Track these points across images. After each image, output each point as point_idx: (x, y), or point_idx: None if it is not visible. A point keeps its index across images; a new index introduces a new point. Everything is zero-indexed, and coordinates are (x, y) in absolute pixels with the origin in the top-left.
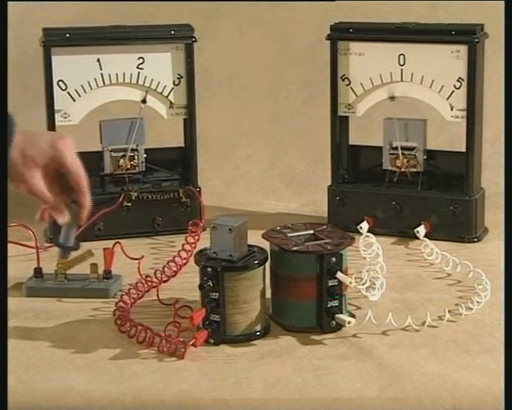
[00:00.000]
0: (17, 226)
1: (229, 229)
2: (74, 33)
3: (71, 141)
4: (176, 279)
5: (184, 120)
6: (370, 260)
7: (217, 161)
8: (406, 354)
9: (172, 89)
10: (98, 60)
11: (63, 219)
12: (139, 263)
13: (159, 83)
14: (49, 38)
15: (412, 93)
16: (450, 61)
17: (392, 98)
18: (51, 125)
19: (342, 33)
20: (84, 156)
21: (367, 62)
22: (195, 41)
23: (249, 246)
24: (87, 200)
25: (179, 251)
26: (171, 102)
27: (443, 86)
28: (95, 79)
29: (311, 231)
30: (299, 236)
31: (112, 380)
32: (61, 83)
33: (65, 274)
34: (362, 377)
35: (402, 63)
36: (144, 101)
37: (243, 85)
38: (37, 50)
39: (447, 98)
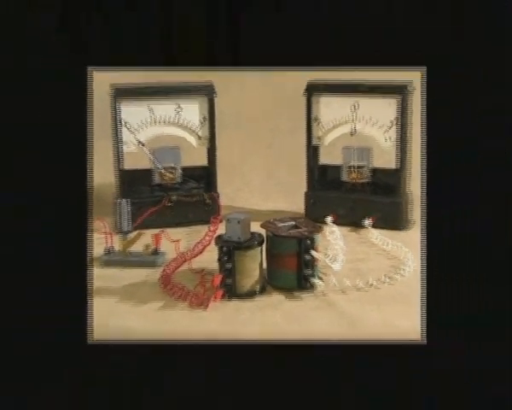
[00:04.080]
0: (95, 220)
1: (238, 221)
2: (136, 90)
3: None
4: (202, 256)
5: (208, 148)
6: (334, 242)
7: (229, 175)
8: (360, 306)
9: (199, 126)
10: (149, 107)
11: None
12: (177, 244)
13: (190, 122)
14: (117, 92)
15: (362, 129)
16: (386, 107)
17: (352, 134)
18: (117, 152)
19: (314, 90)
20: (140, 172)
21: (331, 108)
22: (215, 95)
23: (251, 233)
24: None
25: (204, 236)
26: (198, 136)
27: (383, 124)
28: (147, 120)
29: (293, 223)
30: (285, 225)
31: (157, 323)
32: (125, 123)
33: (128, 251)
34: (330, 321)
35: (355, 109)
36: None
37: (248, 125)
38: (103, 101)
39: (384, 132)
